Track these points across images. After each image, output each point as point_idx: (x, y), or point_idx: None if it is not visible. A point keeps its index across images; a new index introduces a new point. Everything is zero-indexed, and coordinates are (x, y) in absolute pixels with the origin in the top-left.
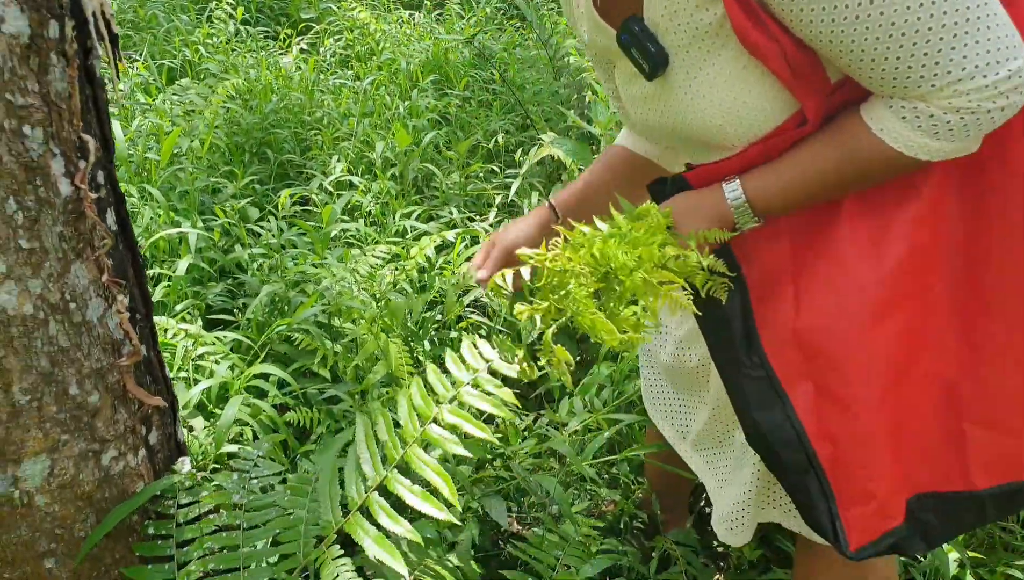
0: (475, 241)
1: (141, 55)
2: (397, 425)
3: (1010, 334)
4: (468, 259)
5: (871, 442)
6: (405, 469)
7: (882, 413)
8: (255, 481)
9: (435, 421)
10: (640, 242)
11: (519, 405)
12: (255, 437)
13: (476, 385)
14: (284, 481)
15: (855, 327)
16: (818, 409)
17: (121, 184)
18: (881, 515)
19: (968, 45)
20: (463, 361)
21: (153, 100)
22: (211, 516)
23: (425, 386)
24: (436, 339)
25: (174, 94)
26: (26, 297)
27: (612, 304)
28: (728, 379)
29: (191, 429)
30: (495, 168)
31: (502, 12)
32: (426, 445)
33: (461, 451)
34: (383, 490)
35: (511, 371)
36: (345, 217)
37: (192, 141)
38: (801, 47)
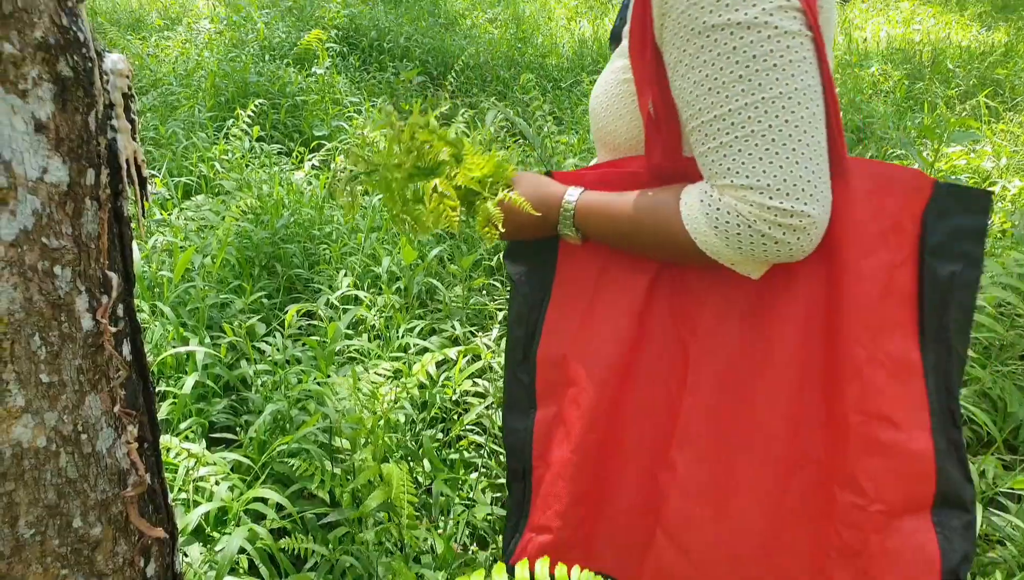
0: (476, 358)
1: (160, 171)
2: None
3: (695, 465)
4: (471, 376)
5: (577, 484)
6: None
7: (596, 465)
8: None
9: None
10: (469, 156)
11: None
12: (251, 566)
13: None
14: None
15: (599, 374)
16: (551, 432)
17: (135, 301)
18: (550, 550)
19: (772, 162)
20: None
21: (169, 215)
22: None
23: None
24: (436, 458)
25: (189, 210)
26: (41, 430)
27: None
28: (506, 367)
29: (186, 555)
30: (497, 282)
31: (505, 130)
32: None
33: None
34: None
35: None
36: (350, 331)
37: (205, 257)
38: (667, 100)
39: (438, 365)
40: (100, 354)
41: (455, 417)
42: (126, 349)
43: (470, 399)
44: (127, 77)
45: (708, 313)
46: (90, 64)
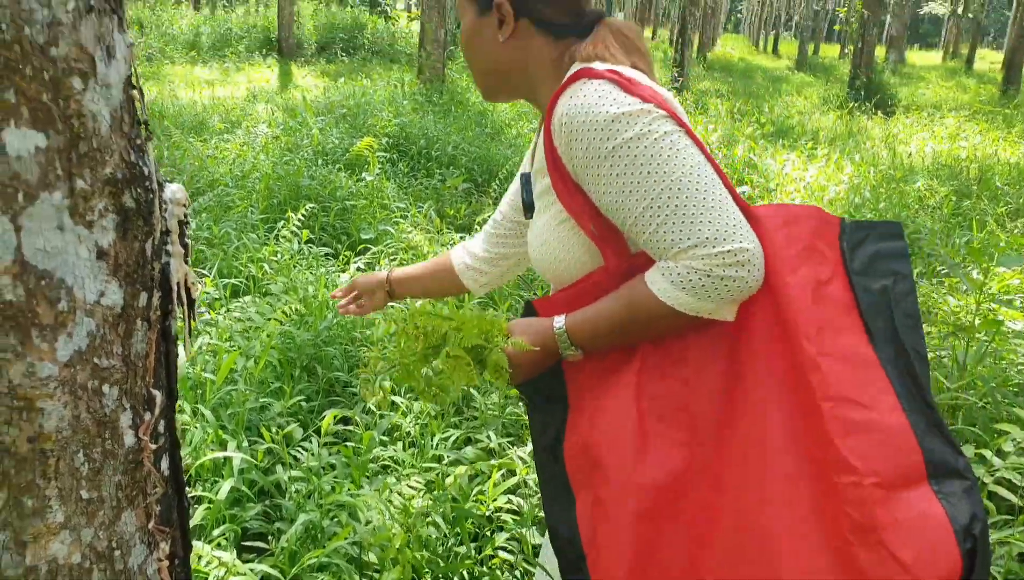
0: (512, 473)
1: (211, 271)
2: None
3: (738, 518)
4: (506, 492)
5: (621, 560)
6: None
7: (634, 535)
8: None
9: None
10: (467, 323)
11: None
12: None
13: None
14: None
15: (621, 452)
16: (592, 518)
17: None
18: None
19: (701, 222)
20: None
21: (216, 315)
22: None
23: None
24: (468, 575)
25: (236, 311)
26: (77, 546)
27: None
28: (540, 473)
29: None
30: None
31: None
32: None
33: None
34: None
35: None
36: (385, 437)
37: (248, 360)
38: (602, 217)
39: (472, 478)
40: (139, 470)
41: (488, 533)
42: (164, 464)
43: (504, 516)
44: (184, 205)
45: (691, 367)
46: (151, 195)
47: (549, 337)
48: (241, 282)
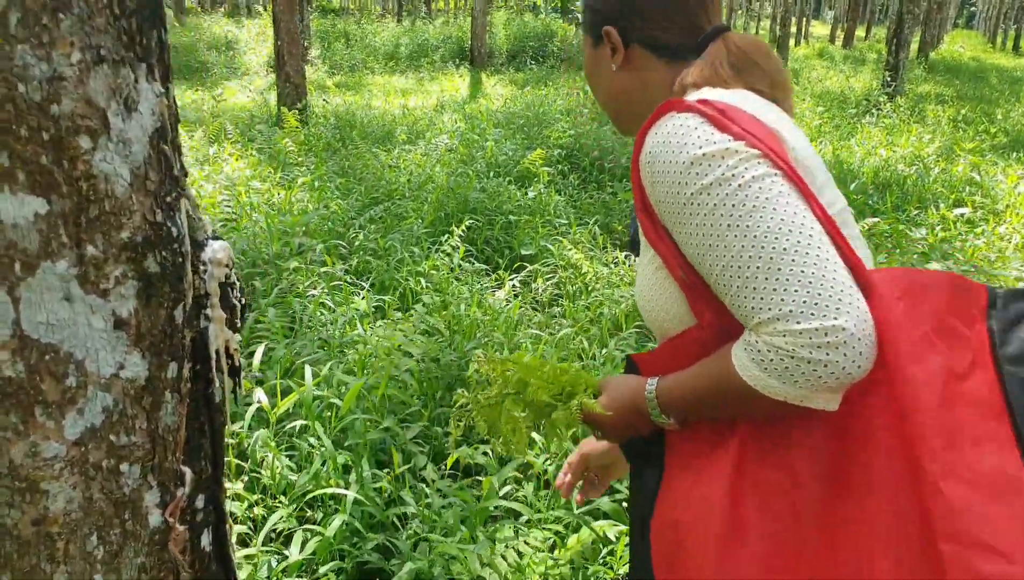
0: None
1: (370, 281)
2: None
3: None
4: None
5: None
6: None
7: None
8: None
9: None
10: (549, 374)
11: None
12: None
13: None
14: None
15: (709, 539)
16: None
17: (305, 423)
18: None
19: (787, 289)
20: None
21: (369, 329)
22: None
23: None
24: None
25: (384, 329)
26: None
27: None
28: (629, 548)
29: None
30: None
31: None
32: None
33: None
34: None
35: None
36: (518, 473)
37: (378, 383)
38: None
39: (593, 543)
40: (167, 551)
41: None
42: (206, 540)
43: None
44: (227, 266)
45: (795, 454)
46: (180, 259)
47: (641, 400)
48: (394, 298)
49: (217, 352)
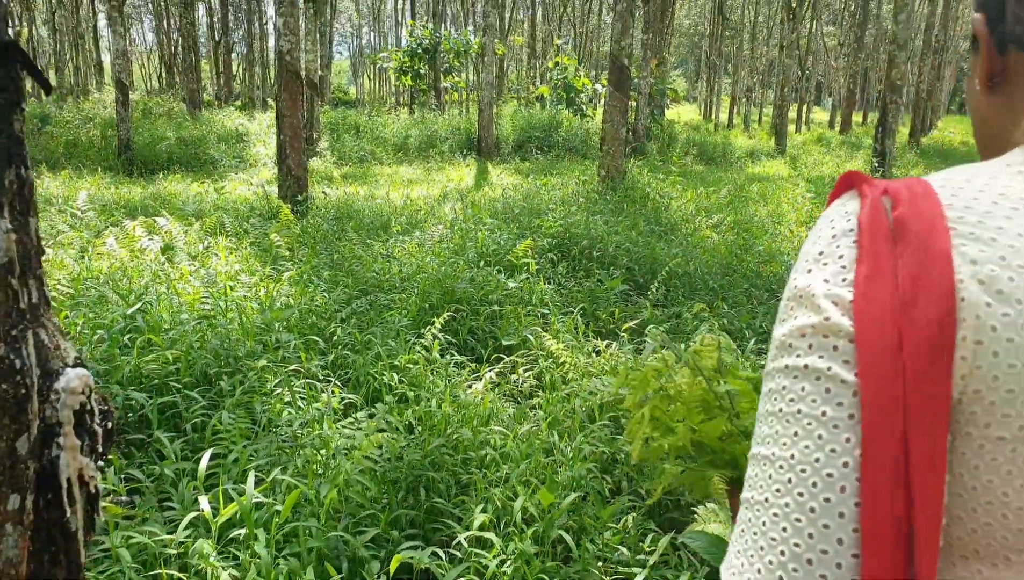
0: None
1: (348, 376)
2: None
3: None
4: None
5: None
6: None
7: None
8: None
9: None
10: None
11: None
12: None
13: None
14: None
15: None
16: None
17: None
18: None
19: (763, 555)
20: None
21: (336, 427)
22: None
23: None
24: None
25: (351, 426)
26: None
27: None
28: None
29: None
30: (653, 529)
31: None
32: None
33: None
34: None
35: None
36: (475, 578)
37: (331, 489)
38: None
39: None
40: None
41: None
42: None
43: None
44: (82, 394)
45: None
46: (23, 390)
47: None
48: (364, 395)
49: (69, 480)
